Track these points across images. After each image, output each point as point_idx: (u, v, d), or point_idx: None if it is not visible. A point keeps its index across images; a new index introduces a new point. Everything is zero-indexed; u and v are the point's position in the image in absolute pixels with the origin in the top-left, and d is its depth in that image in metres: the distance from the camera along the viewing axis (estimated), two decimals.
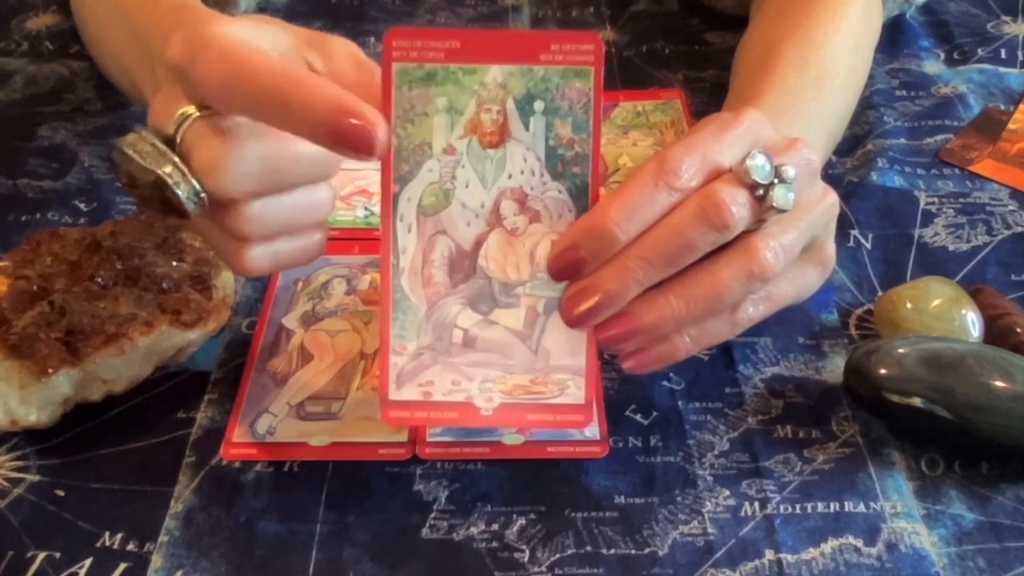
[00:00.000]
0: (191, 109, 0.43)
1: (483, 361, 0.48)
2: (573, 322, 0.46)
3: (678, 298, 0.45)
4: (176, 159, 0.42)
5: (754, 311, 0.48)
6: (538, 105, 0.45)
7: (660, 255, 0.44)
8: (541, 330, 0.47)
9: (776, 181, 0.45)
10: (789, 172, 0.45)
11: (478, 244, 0.47)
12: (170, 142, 0.43)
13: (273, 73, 0.41)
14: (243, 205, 0.43)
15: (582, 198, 0.46)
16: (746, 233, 0.45)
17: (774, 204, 0.45)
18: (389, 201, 0.46)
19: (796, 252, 0.47)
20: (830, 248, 0.51)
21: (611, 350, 0.49)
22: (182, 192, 0.42)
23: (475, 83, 0.44)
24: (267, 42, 0.46)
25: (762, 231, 0.46)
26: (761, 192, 0.45)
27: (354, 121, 0.40)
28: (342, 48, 0.47)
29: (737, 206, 0.44)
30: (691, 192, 0.44)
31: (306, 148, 0.43)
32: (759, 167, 0.45)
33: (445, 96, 0.45)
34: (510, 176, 0.46)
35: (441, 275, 0.47)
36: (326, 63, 0.47)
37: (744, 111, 0.47)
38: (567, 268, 0.45)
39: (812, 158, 0.48)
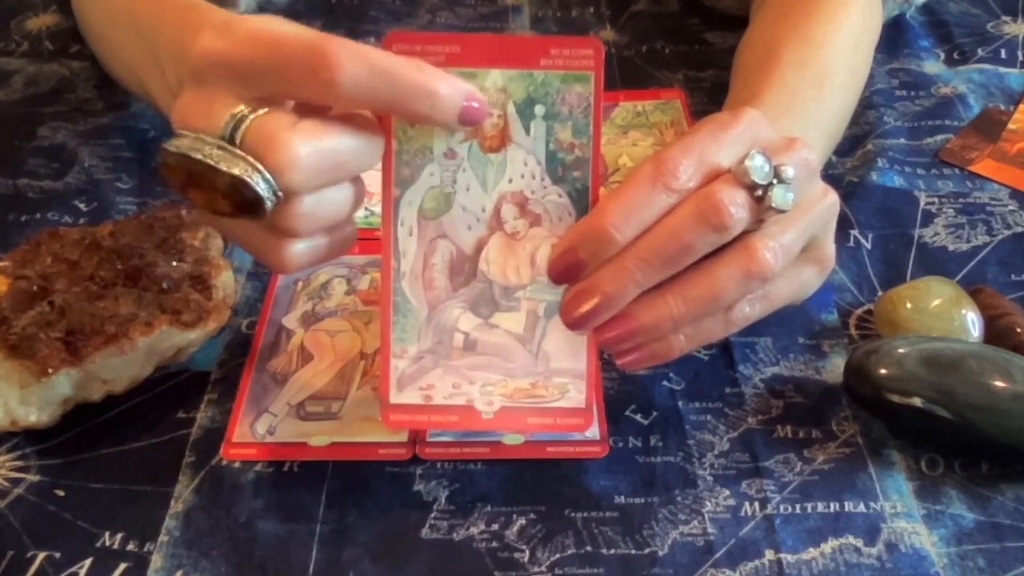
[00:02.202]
0: (244, 108, 0.42)
1: (484, 364, 0.48)
2: (573, 324, 0.46)
3: (677, 299, 0.45)
4: (250, 159, 0.41)
5: (750, 310, 0.48)
6: (538, 109, 0.45)
7: (659, 256, 0.44)
8: (541, 334, 0.47)
9: (775, 181, 0.45)
10: (788, 172, 0.45)
11: (479, 248, 0.47)
12: (228, 142, 0.42)
13: (409, 69, 0.42)
14: (298, 201, 0.43)
15: (582, 202, 0.46)
16: (745, 233, 0.45)
17: (773, 204, 0.45)
18: (390, 205, 0.46)
19: (795, 252, 0.47)
20: (829, 248, 0.51)
21: (609, 349, 0.49)
22: (263, 191, 0.41)
23: (475, 87, 0.44)
24: None
25: (761, 231, 0.46)
26: (760, 192, 0.45)
27: (476, 105, 0.44)
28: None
29: (736, 207, 0.44)
30: (689, 193, 0.44)
31: (361, 140, 0.43)
32: (758, 167, 0.45)
33: None
34: (510, 180, 0.46)
35: (442, 279, 0.47)
36: None
37: (742, 111, 0.47)
38: (567, 270, 0.45)
39: (811, 158, 0.48)
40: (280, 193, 0.42)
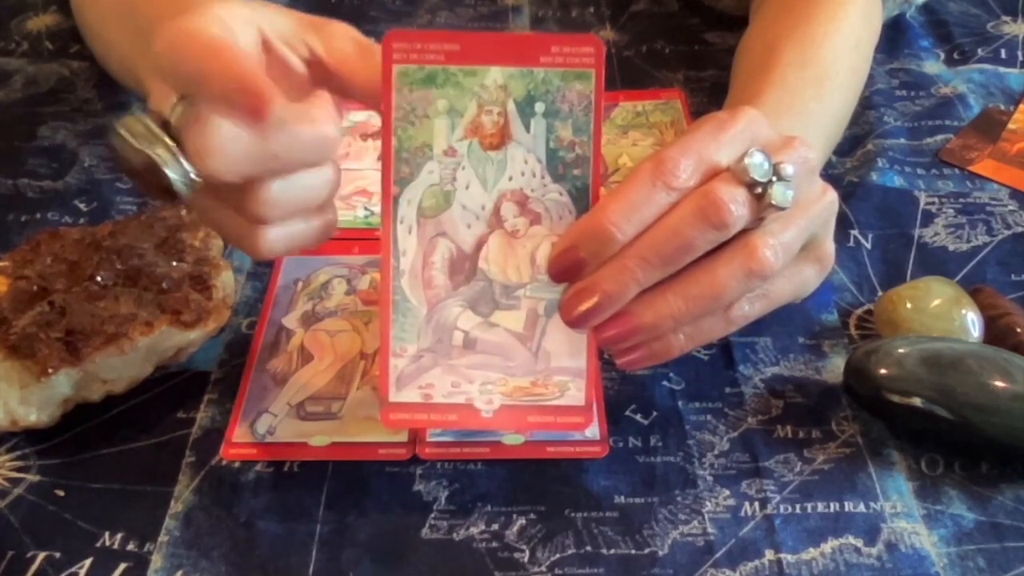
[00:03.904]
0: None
1: (483, 363, 0.48)
2: (573, 322, 0.46)
3: (677, 297, 0.45)
4: (168, 141, 0.42)
5: (750, 309, 0.48)
6: (539, 107, 0.45)
7: (659, 255, 0.44)
8: (541, 332, 0.47)
9: (774, 179, 0.45)
10: (787, 170, 0.45)
11: (479, 246, 0.47)
12: (165, 125, 0.42)
13: (219, 51, 0.42)
14: (260, 188, 0.43)
15: (582, 200, 0.46)
16: (745, 231, 0.45)
17: (773, 202, 0.45)
18: (389, 203, 0.46)
19: (795, 250, 0.47)
20: (829, 246, 0.51)
21: (609, 349, 0.49)
22: (172, 172, 0.42)
23: (475, 85, 0.44)
24: (266, 24, 0.46)
25: (761, 229, 0.46)
26: (759, 190, 0.45)
27: (251, 98, 0.41)
28: (342, 31, 0.47)
29: (736, 204, 0.44)
30: (689, 191, 0.44)
31: (303, 132, 0.43)
32: (757, 165, 0.45)
33: (445, 98, 0.45)
34: (511, 178, 0.46)
35: (441, 277, 0.47)
36: (326, 46, 0.47)
37: (741, 109, 0.47)
38: (567, 269, 0.45)
39: (810, 156, 0.48)
40: (196, 178, 0.42)
